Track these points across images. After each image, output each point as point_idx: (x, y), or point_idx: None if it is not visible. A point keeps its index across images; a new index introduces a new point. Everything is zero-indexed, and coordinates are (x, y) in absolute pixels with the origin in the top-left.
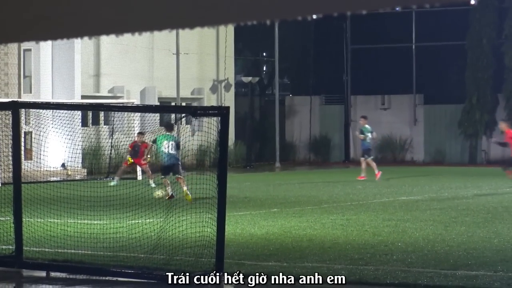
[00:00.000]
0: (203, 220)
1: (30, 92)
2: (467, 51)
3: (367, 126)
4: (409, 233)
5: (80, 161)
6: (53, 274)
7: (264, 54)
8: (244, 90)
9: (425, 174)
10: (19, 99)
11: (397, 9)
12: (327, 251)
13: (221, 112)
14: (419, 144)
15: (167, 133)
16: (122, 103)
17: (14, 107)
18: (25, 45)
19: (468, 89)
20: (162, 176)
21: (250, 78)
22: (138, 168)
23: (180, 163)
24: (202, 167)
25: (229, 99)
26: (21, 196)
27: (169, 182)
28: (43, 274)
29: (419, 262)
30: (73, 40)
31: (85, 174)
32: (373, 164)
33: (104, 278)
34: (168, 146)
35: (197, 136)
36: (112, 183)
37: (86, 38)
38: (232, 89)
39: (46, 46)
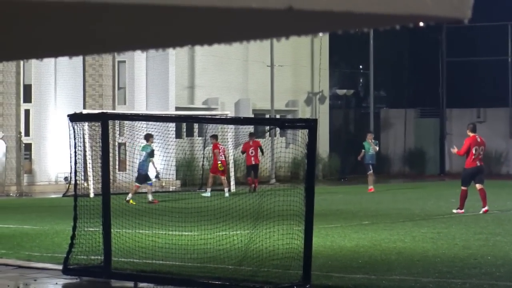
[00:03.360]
0: (291, 232)
1: (124, 104)
2: None
3: (368, 141)
4: (500, 247)
5: (174, 173)
6: (141, 285)
7: (360, 66)
8: (340, 103)
9: None
10: (113, 111)
11: (493, 22)
12: (416, 264)
13: (308, 124)
14: None
15: (146, 143)
16: (215, 115)
17: (104, 119)
18: (120, 57)
19: None
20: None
21: (345, 91)
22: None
23: (146, 173)
24: (297, 179)
25: (323, 112)
26: (110, 207)
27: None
28: (130, 284)
29: (507, 275)
30: (167, 52)
31: (179, 185)
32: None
33: None
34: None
35: (291, 148)
36: (205, 194)
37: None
38: (327, 102)
39: (140, 58)
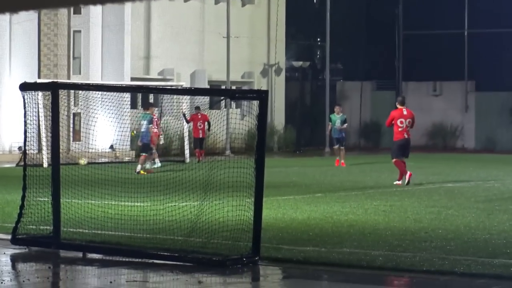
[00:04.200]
0: (242, 204)
1: (79, 74)
2: None
3: (335, 114)
4: (451, 220)
5: (129, 143)
6: (89, 255)
7: (317, 39)
8: (296, 75)
9: (474, 162)
10: (68, 81)
11: None
12: (367, 237)
13: (259, 95)
14: (470, 131)
15: (145, 112)
16: (169, 86)
17: (54, 88)
18: (75, 26)
19: None
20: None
21: (301, 63)
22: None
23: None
24: (251, 151)
25: (279, 84)
26: (59, 177)
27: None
28: (79, 255)
29: (457, 249)
30: (123, 21)
31: (134, 156)
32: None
33: (140, 260)
34: (142, 125)
35: (246, 120)
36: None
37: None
38: (283, 73)
39: (96, 28)
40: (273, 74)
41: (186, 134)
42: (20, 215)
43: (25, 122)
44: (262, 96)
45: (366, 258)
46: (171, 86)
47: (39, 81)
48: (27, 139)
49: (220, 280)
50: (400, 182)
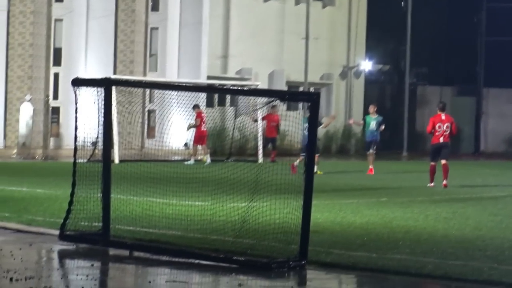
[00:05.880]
0: (294, 207)
1: (156, 71)
2: None
3: (370, 116)
4: (511, 230)
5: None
6: (137, 254)
7: (397, 42)
8: (376, 78)
9: None
10: (144, 77)
11: None
12: (421, 244)
13: (311, 97)
14: None
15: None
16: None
17: (107, 84)
18: (153, 23)
19: None
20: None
21: (381, 66)
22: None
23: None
24: (328, 153)
25: (358, 86)
26: (110, 173)
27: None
28: (126, 253)
29: (510, 259)
30: (201, 20)
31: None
32: (369, 158)
33: (186, 260)
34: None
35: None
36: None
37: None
38: (362, 76)
39: (173, 26)
40: (352, 77)
41: (260, 134)
42: (68, 211)
43: (76, 117)
44: (313, 98)
45: (416, 265)
46: (245, 86)
47: (114, 77)
48: (98, 135)
49: (263, 283)
50: (431, 184)
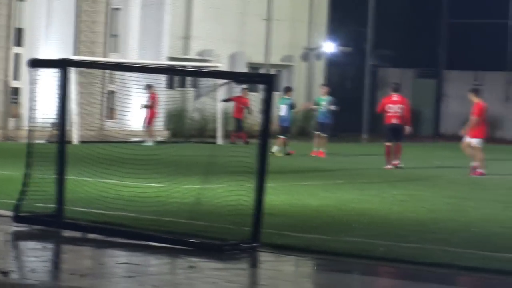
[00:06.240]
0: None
1: (117, 52)
2: None
3: (321, 97)
4: (466, 212)
5: (163, 123)
6: (90, 236)
7: (359, 24)
8: (337, 60)
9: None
10: (104, 58)
11: None
12: (376, 226)
13: (265, 79)
14: (510, 122)
15: (285, 96)
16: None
17: (64, 65)
18: (114, 3)
19: None
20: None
21: (343, 48)
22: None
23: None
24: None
25: (320, 68)
26: (65, 154)
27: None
28: (79, 235)
29: (462, 242)
30: (163, 1)
31: (169, 136)
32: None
33: (139, 242)
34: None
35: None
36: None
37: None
38: (324, 58)
39: (135, 6)
40: (313, 58)
41: (219, 116)
42: (22, 192)
43: (30, 98)
44: (268, 80)
45: (369, 247)
46: (206, 67)
47: (75, 58)
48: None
49: (215, 265)
50: (390, 166)
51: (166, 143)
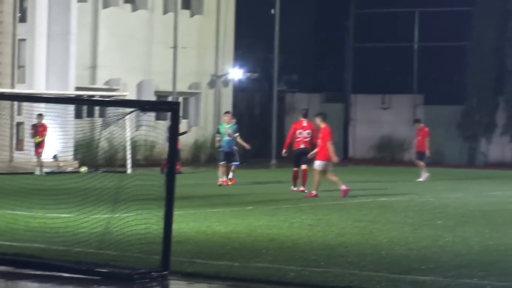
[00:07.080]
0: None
1: (24, 83)
2: (469, 52)
3: (224, 125)
4: (374, 235)
5: (72, 153)
6: (1, 268)
7: (266, 50)
8: (244, 86)
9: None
10: (11, 90)
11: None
12: (285, 252)
13: (170, 107)
14: None
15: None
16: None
17: None
18: (20, 34)
19: (469, 90)
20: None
21: (249, 74)
22: None
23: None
24: (198, 162)
25: (227, 95)
26: None
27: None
28: None
29: (372, 265)
30: (68, 31)
31: (77, 166)
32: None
33: (49, 273)
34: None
35: (193, 131)
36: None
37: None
38: (231, 84)
39: (41, 36)
40: (220, 85)
41: (128, 144)
42: None
43: None
44: (173, 108)
45: (278, 273)
46: (112, 96)
47: None
48: None
49: None
50: (296, 189)
51: (75, 173)
